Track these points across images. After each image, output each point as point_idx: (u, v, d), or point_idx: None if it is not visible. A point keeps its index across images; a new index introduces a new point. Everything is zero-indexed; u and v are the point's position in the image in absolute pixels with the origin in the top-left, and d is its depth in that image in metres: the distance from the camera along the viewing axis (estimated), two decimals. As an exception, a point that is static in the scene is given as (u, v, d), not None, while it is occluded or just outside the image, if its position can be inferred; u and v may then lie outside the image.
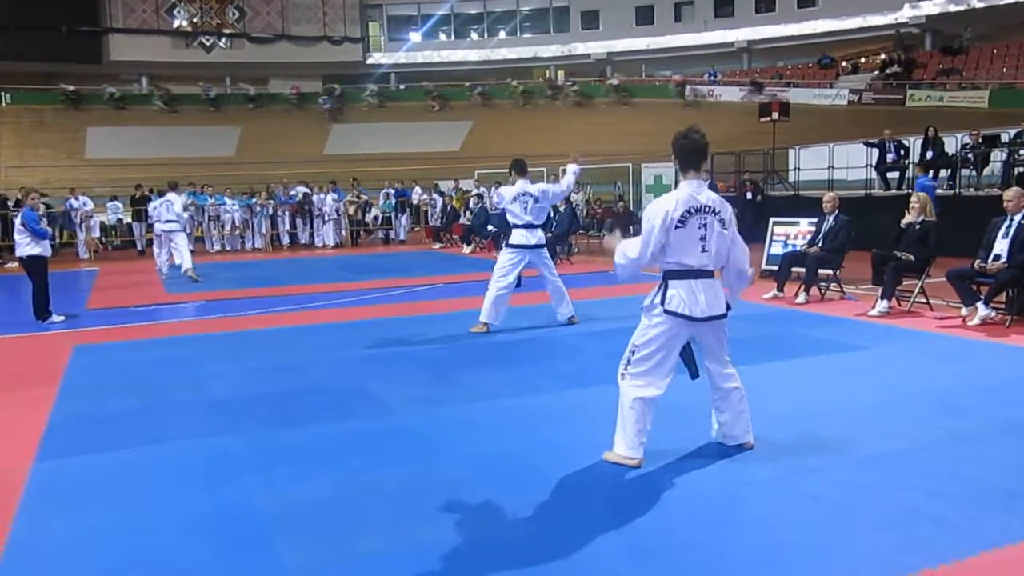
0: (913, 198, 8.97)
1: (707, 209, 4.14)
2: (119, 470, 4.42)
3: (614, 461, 4.24)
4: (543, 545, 3.37)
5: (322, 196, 21.68)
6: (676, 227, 4.08)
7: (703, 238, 4.13)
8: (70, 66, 38.39)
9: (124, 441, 4.92)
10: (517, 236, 8.28)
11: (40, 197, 9.98)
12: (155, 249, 15.14)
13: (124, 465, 4.49)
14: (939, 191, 14.60)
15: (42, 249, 9.64)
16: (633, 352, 4.20)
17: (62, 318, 9.64)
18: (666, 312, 4.11)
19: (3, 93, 35.65)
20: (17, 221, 9.66)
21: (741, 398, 4.38)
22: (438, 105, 39.10)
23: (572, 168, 8.40)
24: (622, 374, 4.23)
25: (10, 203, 19.79)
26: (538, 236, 8.34)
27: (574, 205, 17.83)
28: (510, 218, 8.35)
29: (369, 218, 24.10)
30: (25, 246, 9.51)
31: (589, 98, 39.37)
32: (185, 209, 15.31)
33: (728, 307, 4.24)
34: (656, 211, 4.12)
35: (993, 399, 5.35)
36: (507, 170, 8.51)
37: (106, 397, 6.01)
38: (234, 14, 41.13)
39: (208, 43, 40.84)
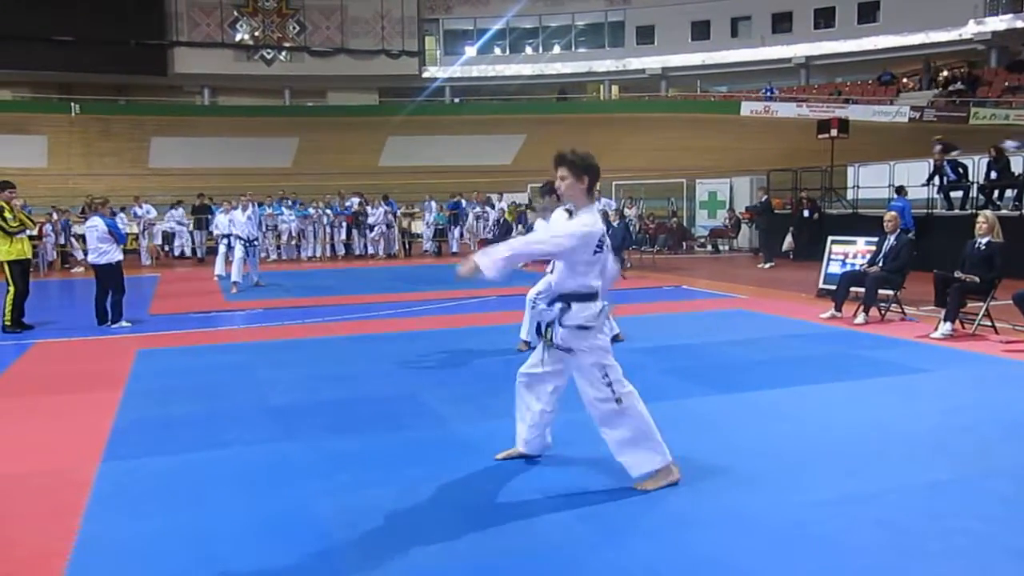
0: (980, 218, 8.74)
1: None
2: (183, 472, 4.53)
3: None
4: (604, 560, 3.36)
5: (373, 208, 21.86)
6: None
7: None
8: (136, 78, 39.76)
9: (187, 444, 5.04)
10: None
11: (103, 205, 10.28)
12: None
13: (187, 468, 4.60)
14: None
15: (120, 255, 10.06)
16: None
17: (129, 324, 9.92)
18: None
19: (73, 103, 36.89)
20: (96, 230, 9.82)
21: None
22: None
23: None
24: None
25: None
26: None
27: (627, 220, 17.74)
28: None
29: (421, 229, 24.32)
30: (109, 253, 9.80)
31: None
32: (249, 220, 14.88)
33: None
34: None
35: (1064, 427, 5.18)
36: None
37: (169, 401, 6.16)
38: (295, 28, 42.02)
39: (269, 56, 41.75)
